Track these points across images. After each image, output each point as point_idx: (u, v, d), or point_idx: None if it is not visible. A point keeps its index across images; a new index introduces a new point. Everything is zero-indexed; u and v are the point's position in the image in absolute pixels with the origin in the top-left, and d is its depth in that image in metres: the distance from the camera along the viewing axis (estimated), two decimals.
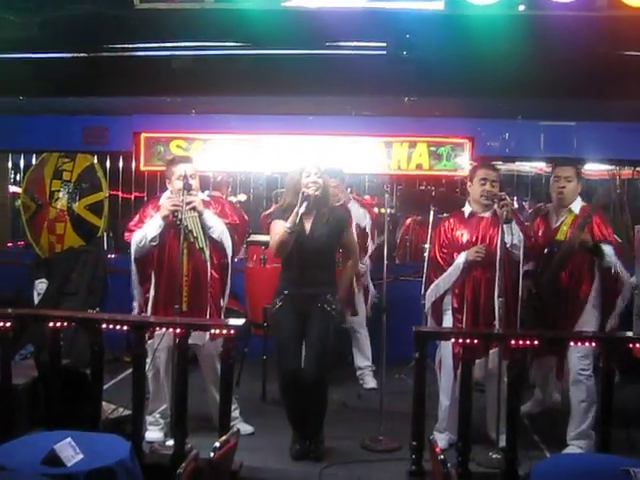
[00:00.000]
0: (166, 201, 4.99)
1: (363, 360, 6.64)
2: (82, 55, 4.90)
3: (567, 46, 4.90)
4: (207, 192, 5.48)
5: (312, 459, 4.76)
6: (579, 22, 4.33)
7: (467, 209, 5.05)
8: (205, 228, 5.00)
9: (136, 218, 5.17)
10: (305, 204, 4.67)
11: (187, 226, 4.92)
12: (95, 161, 8.05)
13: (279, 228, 4.76)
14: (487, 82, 5.46)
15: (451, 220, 5.08)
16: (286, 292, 4.87)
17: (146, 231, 4.95)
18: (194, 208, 4.94)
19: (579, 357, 4.86)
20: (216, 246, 5.06)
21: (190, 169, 5.04)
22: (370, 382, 6.54)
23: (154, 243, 4.95)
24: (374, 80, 5.44)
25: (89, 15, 4.33)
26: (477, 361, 4.60)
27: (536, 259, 5.11)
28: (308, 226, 4.84)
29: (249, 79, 5.55)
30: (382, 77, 5.37)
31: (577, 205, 5.09)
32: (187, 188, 4.86)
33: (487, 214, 4.95)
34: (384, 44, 4.80)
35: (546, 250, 5.12)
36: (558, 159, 7.71)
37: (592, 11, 4.19)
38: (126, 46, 4.92)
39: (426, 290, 5.14)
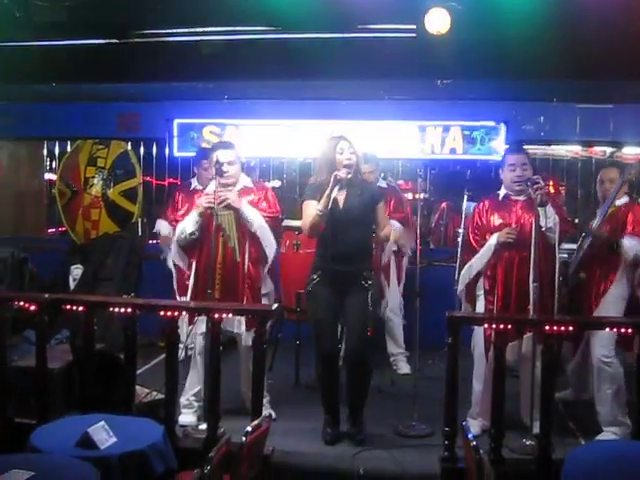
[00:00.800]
0: (202, 199, 4.97)
1: (396, 347, 6.61)
2: (112, 41, 4.91)
3: (603, 27, 4.82)
4: (251, 178, 5.44)
5: (355, 442, 4.74)
6: (616, 2, 4.23)
7: (502, 192, 5.00)
8: (242, 222, 4.98)
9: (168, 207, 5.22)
10: (337, 187, 4.65)
11: (221, 224, 4.93)
12: (129, 147, 8.10)
13: (311, 209, 4.75)
14: (522, 64, 5.40)
15: (485, 203, 5.02)
16: (321, 269, 4.86)
17: (185, 225, 4.99)
18: (228, 206, 4.93)
19: (601, 345, 4.81)
20: (254, 239, 5.02)
21: (229, 155, 5.05)
22: (404, 368, 6.52)
23: (193, 236, 4.98)
24: (406, 63, 5.40)
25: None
26: (510, 344, 4.57)
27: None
28: (341, 201, 4.80)
29: (279, 64, 5.55)
30: (414, 60, 5.33)
31: (622, 201, 5.09)
32: (219, 174, 4.85)
33: (521, 197, 4.89)
34: (414, 26, 4.73)
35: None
36: (594, 142, 7.64)
37: None
38: (156, 31, 4.92)
39: (460, 275, 5.10)
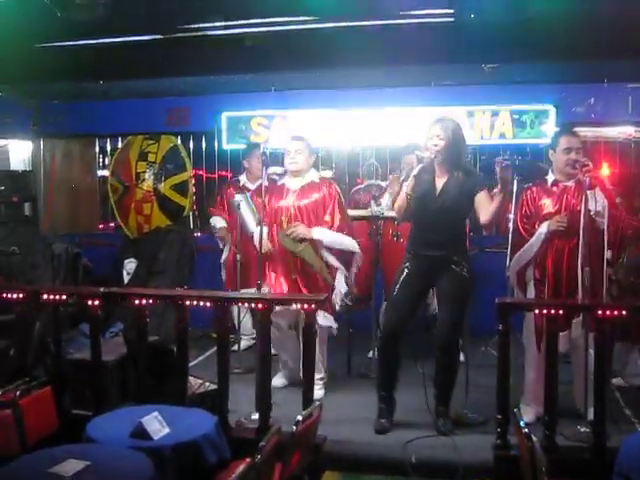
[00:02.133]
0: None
1: None
2: (157, 37, 4.96)
3: None
4: (323, 172, 5.67)
5: (441, 433, 4.72)
6: None
7: (550, 178, 4.91)
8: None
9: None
10: (419, 166, 4.65)
11: (303, 258, 5.28)
12: (179, 142, 8.18)
13: (401, 192, 4.78)
14: (570, 45, 5.29)
15: (534, 189, 4.94)
16: (412, 253, 4.87)
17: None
18: (302, 240, 5.24)
19: None
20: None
21: (297, 145, 5.40)
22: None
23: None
24: (451, 48, 5.35)
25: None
26: (561, 334, 4.50)
27: (615, 243, 5.01)
28: (439, 187, 4.78)
29: (323, 54, 5.54)
30: (459, 45, 5.27)
31: None
32: (264, 165, 5.15)
33: (571, 182, 4.79)
34: (451, 10, 4.68)
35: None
36: None
37: None
38: (200, 25, 4.96)
39: (511, 262, 5.04)
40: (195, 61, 5.73)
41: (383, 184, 7.31)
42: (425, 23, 4.92)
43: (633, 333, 5.04)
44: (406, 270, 4.86)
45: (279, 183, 5.58)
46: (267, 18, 5.09)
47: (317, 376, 5.15)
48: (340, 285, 5.42)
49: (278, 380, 5.65)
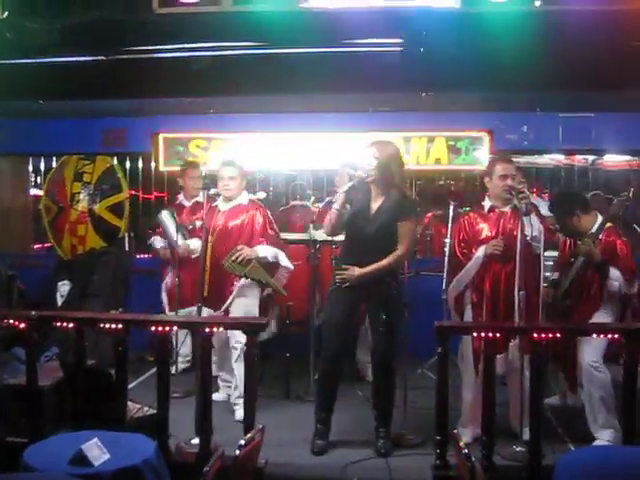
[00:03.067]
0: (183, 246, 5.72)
1: (366, 355, 6.55)
2: (101, 58, 4.93)
3: (583, 38, 4.91)
4: (257, 194, 5.85)
5: (380, 455, 4.76)
6: (594, 15, 4.32)
7: (487, 204, 5.04)
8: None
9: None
10: (350, 184, 4.75)
11: (253, 278, 5.45)
12: (115, 162, 8.10)
13: (332, 209, 4.88)
14: (505, 75, 5.45)
15: (471, 215, 5.07)
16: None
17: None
18: (249, 261, 5.37)
19: (590, 351, 4.85)
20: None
21: (231, 171, 5.57)
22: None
23: None
24: (391, 76, 5.45)
25: (109, 20, 4.36)
26: (498, 356, 4.61)
27: (561, 270, 5.17)
28: (374, 208, 4.84)
29: (267, 78, 5.59)
30: (398, 73, 5.37)
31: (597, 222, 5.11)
32: (205, 188, 5.30)
33: (507, 208, 4.93)
34: (399, 40, 4.79)
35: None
36: (576, 150, 7.74)
37: (606, 4, 4.18)
38: (144, 48, 4.95)
39: (447, 285, 5.13)
40: (137, 84, 5.70)
41: (309, 205, 7.41)
42: (370, 52, 4.99)
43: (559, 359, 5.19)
44: (337, 292, 4.90)
45: (213, 204, 5.65)
46: (209, 43, 5.09)
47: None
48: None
49: (218, 395, 5.73)
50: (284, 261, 5.58)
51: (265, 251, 5.45)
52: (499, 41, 4.64)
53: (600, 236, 4.99)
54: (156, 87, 5.85)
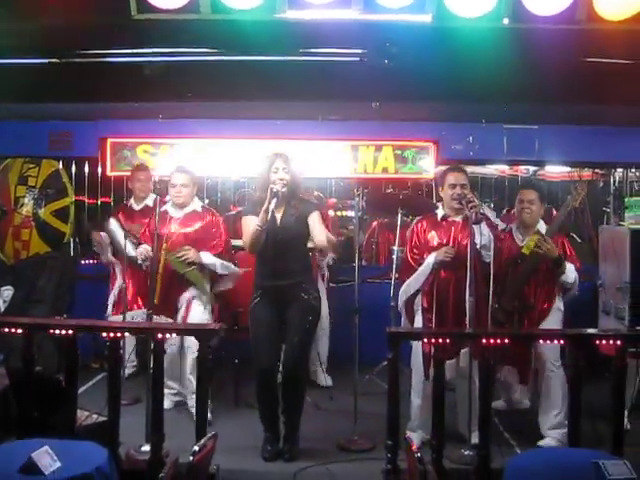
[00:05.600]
0: (142, 250, 5.48)
1: (315, 360, 6.58)
2: (54, 61, 4.88)
3: (528, 53, 5.02)
4: (204, 202, 5.83)
5: (286, 460, 4.80)
6: (554, 34, 4.47)
7: (440, 212, 5.16)
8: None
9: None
10: (275, 200, 4.74)
11: (189, 280, 5.51)
12: (60, 166, 7.99)
13: (251, 225, 4.83)
14: (452, 87, 5.54)
15: (424, 222, 5.17)
16: (261, 286, 4.94)
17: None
18: (192, 262, 5.45)
19: (550, 351, 5.01)
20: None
21: (183, 178, 5.59)
22: (326, 380, 6.58)
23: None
24: (343, 86, 5.51)
25: (82, 25, 4.32)
26: (448, 362, 4.70)
27: (497, 274, 5.19)
28: (279, 218, 4.90)
29: (218, 84, 5.60)
30: (350, 83, 5.43)
31: (542, 227, 5.32)
32: (158, 192, 5.17)
33: (459, 218, 5.05)
34: (359, 51, 4.86)
35: (509, 264, 5.31)
36: (520, 161, 7.93)
37: (566, 24, 4.32)
38: (98, 52, 4.92)
39: (396, 292, 5.22)
40: (85, 87, 5.64)
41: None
42: (325, 61, 5.05)
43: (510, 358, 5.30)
44: (256, 305, 4.96)
45: (162, 209, 5.56)
46: (162, 48, 5.08)
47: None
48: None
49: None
50: (231, 272, 5.69)
51: (209, 260, 5.52)
52: (459, 54, 4.75)
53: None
54: (105, 91, 5.81)
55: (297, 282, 4.88)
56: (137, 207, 6.67)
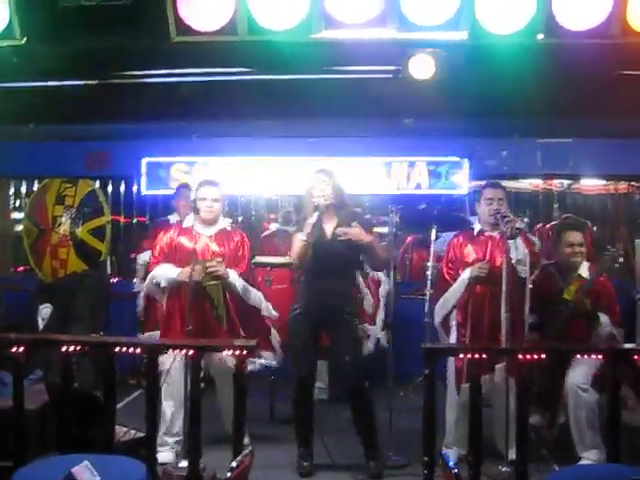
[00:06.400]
0: (186, 270, 4.98)
1: None
2: (93, 82, 4.98)
3: (563, 68, 5.01)
4: (237, 220, 5.62)
5: (374, 477, 4.80)
6: (588, 48, 4.46)
7: (477, 227, 5.18)
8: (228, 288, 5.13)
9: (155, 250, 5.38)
10: (316, 214, 4.79)
11: (209, 293, 5.08)
12: (97, 186, 8.10)
13: (297, 240, 4.88)
14: (486, 102, 5.55)
15: (460, 237, 5.18)
16: (304, 299, 4.98)
17: (159, 275, 5.15)
18: (218, 276, 5.05)
19: (578, 373, 4.96)
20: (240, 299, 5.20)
21: (214, 192, 5.27)
22: None
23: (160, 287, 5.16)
24: (377, 103, 5.55)
25: (122, 48, 4.41)
26: (483, 377, 4.68)
27: (540, 313, 5.21)
28: (329, 232, 4.92)
29: (252, 103, 5.64)
30: (384, 100, 5.47)
31: (585, 268, 5.30)
32: (195, 211, 5.22)
33: (496, 233, 5.03)
34: (393, 67, 4.89)
35: (552, 308, 5.27)
36: (554, 175, 7.89)
37: (599, 38, 4.31)
38: (135, 73, 5.00)
39: (431, 308, 5.21)
40: (122, 108, 5.74)
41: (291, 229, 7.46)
42: (359, 79, 5.09)
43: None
44: (299, 318, 4.98)
45: (184, 226, 5.41)
46: (197, 69, 5.16)
47: None
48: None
49: (169, 454, 5.16)
50: (254, 297, 5.31)
51: (235, 279, 5.15)
52: (492, 69, 4.76)
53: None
54: (140, 112, 5.89)
55: (342, 303, 4.90)
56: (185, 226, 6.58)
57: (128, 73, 5.03)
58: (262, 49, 4.44)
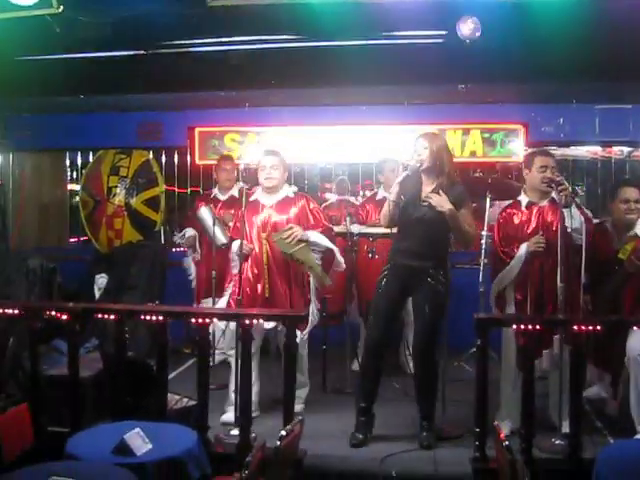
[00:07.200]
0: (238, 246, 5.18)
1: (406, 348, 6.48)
2: (139, 52, 4.98)
3: (620, 29, 4.84)
4: (294, 188, 5.58)
5: (424, 447, 4.75)
6: (634, 6, 4.28)
7: (524, 199, 4.98)
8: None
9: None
10: (405, 174, 4.75)
11: (298, 260, 5.18)
12: (151, 156, 8.17)
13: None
14: (540, 67, 5.42)
15: (509, 211, 5.02)
16: (392, 262, 4.93)
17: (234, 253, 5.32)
18: (299, 242, 5.14)
19: (638, 341, 4.78)
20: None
21: (272, 160, 5.33)
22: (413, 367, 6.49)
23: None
24: (427, 68, 5.45)
25: (159, 14, 4.39)
26: (545, 352, 4.65)
27: (594, 273, 5.00)
28: (424, 194, 4.83)
29: (302, 71, 5.61)
30: (434, 65, 5.37)
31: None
32: (244, 180, 5.39)
33: (545, 202, 4.89)
34: (443, 32, 4.79)
35: (606, 268, 5.06)
36: (613, 142, 7.66)
37: None
38: (180, 42, 4.99)
39: (487, 276, 5.11)
40: (173, 78, 5.74)
41: (353, 199, 7.40)
42: (408, 44, 4.99)
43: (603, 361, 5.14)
44: (385, 280, 4.90)
45: (251, 199, 5.42)
46: (246, 37, 5.12)
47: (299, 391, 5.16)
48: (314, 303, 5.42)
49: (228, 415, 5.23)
50: (338, 255, 5.38)
51: (317, 237, 5.22)
52: (546, 32, 4.62)
53: None
54: (192, 81, 5.89)
55: (426, 266, 4.81)
56: (222, 197, 6.60)
57: (174, 42, 5.01)
58: (303, 13, 4.35)
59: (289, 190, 5.44)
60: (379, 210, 6.15)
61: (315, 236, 5.22)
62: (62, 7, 4.22)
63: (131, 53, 5.04)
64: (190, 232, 6.66)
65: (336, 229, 6.05)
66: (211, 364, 6.10)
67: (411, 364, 6.34)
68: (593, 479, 3.32)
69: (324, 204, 7.32)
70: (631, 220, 5.06)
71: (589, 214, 4.92)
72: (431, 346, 4.87)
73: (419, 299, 4.86)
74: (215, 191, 6.75)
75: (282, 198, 5.36)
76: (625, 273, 4.97)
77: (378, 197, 6.60)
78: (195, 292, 6.72)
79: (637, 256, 4.87)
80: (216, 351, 6.41)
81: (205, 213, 5.97)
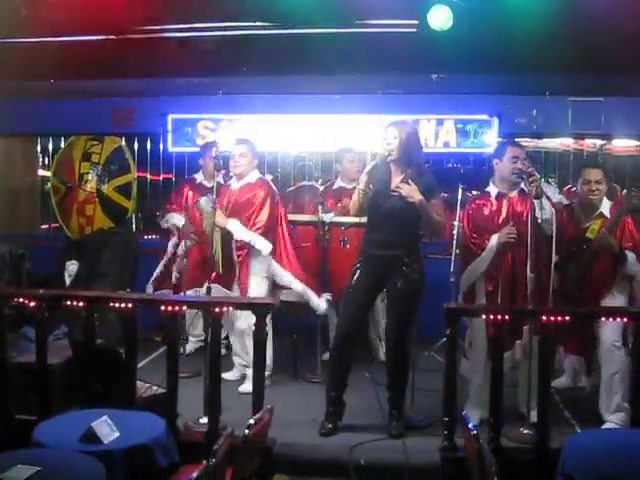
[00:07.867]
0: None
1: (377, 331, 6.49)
2: (110, 37, 4.93)
3: (594, 23, 4.87)
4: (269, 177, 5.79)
5: (393, 436, 4.77)
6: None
7: (493, 190, 5.01)
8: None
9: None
10: (373, 163, 4.78)
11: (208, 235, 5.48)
12: (123, 143, 8.10)
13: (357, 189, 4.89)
14: (514, 58, 5.44)
15: (478, 202, 5.05)
16: (364, 252, 4.93)
17: None
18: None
19: (611, 330, 4.84)
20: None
21: (241, 148, 5.68)
22: (384, 355, 6.49)
23: None
24: (401, 58, 5.44)
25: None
26: (517, 342, 4.71)
27: (563, 253, 5.03)
28: (393, 184, 4.82)
29: (275, 59, 5.59)
30: (409, 55, 5.37)
31: (606, 207, 5.09)
32: (217, 168, 5.44)
33: (514, 193, 4.92)
34: (415, 22, 4.78)
35: (574, 247, 5.11)
36: (586, 135, 7.71)
37: None
38: (153, 27, 4.94)
39: (456, 269, 5.12)
40: (145, 64, 5.69)
41: (317, 185, 7.38)
42: (380, 33, 4.97)
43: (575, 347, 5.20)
44: (358, 272, 4.90)
45: (226, 184, 5.81)
46: (218, 22, 5.08)
47: None
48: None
49: (231, 374, 5.88)
50: (263, 249, 5.58)
51: (235, 228, 5.51)
52: (519, 23, 4.64)
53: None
54: (163, 67, 5.85)
55: (399, 255, 4.81)
56: (208, 184, 6.43)
57: (146, 28, 4.97)
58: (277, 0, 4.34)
59: (254, 176, 5.76)
60: (336, 200, 6.23)
61: (234, 226, 5.52)
62: None
63: (102, 37, 4.99)
64: (179, 220, 6.57)
65: (307, 218, 6.11)
66: (187, 352, 6.18)
67: (382, 350, 6.39)
68: (560, 468, 3.36)
69: (288, 189, 7.32)
70: (593, 200, 5.09)
71: (563, 198, 4.97)
72: (405, 337, 4.90)
73: (395, 288, 4.86)
74: (200, 177, 6.71)
75: (246, 183, 5.71)
76: (593, 252, 5.02)
77: (334, 187, 6.67)
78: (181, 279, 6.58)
79: (600, 240, 4.92)
80: (190, 339, 6.41)
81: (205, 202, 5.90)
